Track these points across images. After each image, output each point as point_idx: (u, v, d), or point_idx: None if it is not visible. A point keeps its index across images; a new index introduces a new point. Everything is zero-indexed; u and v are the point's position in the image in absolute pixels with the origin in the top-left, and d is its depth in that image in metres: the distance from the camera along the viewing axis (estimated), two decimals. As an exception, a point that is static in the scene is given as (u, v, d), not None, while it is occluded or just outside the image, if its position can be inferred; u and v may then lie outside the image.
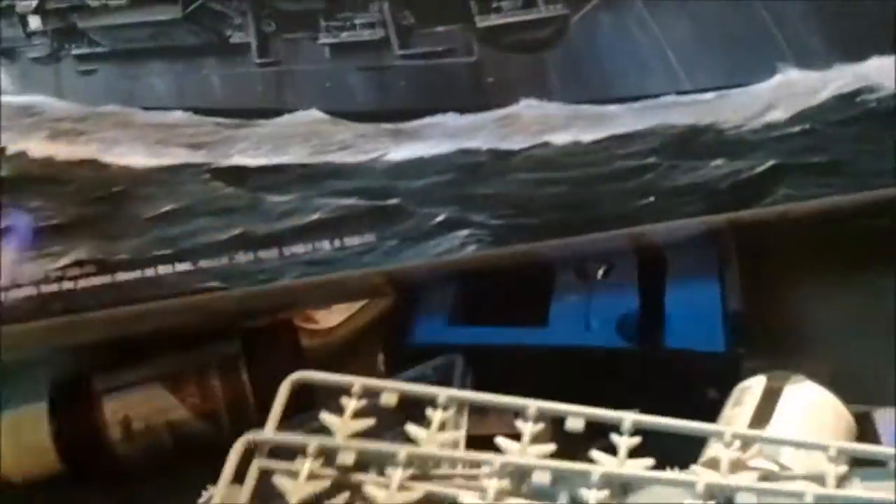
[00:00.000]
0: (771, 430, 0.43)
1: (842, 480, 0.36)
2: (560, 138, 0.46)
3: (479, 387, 0.55)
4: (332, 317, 0.59)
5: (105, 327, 0.49)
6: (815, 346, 0.53)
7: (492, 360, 0.50)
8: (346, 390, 0.39)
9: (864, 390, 0.48)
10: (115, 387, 0.53)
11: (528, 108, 0.47)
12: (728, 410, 0.46)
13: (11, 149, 0.47)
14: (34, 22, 0.50)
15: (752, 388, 0.46)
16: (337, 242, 0.46)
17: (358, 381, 0.40)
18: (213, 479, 0.42)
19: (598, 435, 0.39)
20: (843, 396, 0.46)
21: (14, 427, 0.52)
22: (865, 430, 0.46)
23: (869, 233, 0.52)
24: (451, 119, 0.47)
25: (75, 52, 0.50)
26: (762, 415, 0.45)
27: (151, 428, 0.53)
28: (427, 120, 0.47)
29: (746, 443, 0.38)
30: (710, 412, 0.47)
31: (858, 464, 0.37)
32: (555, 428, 0.39)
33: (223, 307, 0.48)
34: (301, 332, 0.58)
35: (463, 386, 0.54)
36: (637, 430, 0.38)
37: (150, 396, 0.53)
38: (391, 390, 0.39)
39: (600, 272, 0.57)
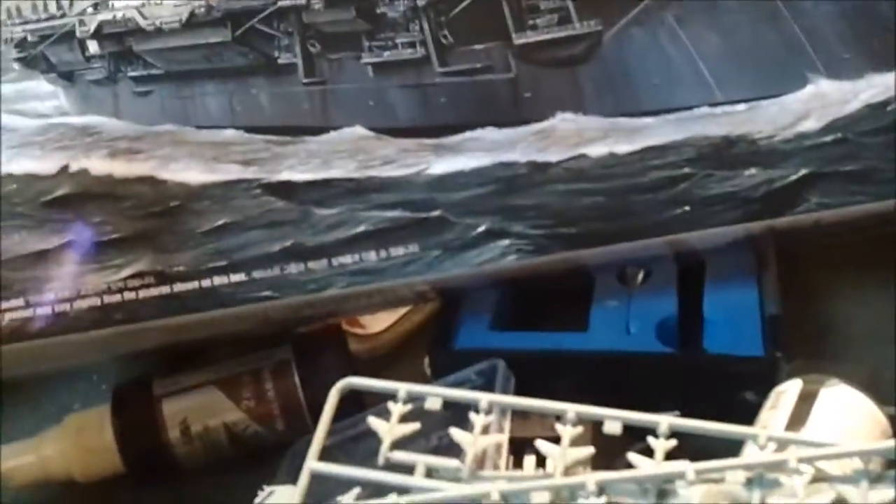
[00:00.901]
0: (806, 433, 0.44)
1: (876, 481, 0.37)
2: (596, 150, 0.48)
3: (521, 390, 0.56)
4: (378, 322, 0.60)
5: (163, 335, 0.51)
6: (851, 349, 0.54)
7: (534, 364, 0.51)
8: (392, 395, 0.41)
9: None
10: (173, 390, 0.55)
11: (563, 121, 0.48)
12: (765, 413, 0.47)
13: (74, 167, 0.50)
14: (92, 46, 0.53)
15: (789, 391, 0.47)
16: (382, 253, 0.48)
17: (403, 387, 0.41)
18: (269, 478, 0.44)
19: (637, 437, 0.40)
20: (878, 399, 0.47)
21: (79, 428, 0.55)
22: (900, 433, 0.47)
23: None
24: (489, 133, 0.49)
25: (131, 74, 0.52)
26: (798, 418, 0.45)
27: (209, 430, 0.55)
28: (467, 134, 0.49)
29: (781, 445, 0.39)
30: (749, 415, 0.47)
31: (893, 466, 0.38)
32: (594, 431, 0.41)
33: (275, 315, 0.50)
34: (349, 336, 0.59)
35: (505, 390, 0.55)
36: (673, 433, 0.39)
37: (207, 399, 0.55)
38: (435, 395, 0.41)
39: (640, 277, 0.59)
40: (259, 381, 0.54)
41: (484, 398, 0.42)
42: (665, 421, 0.39)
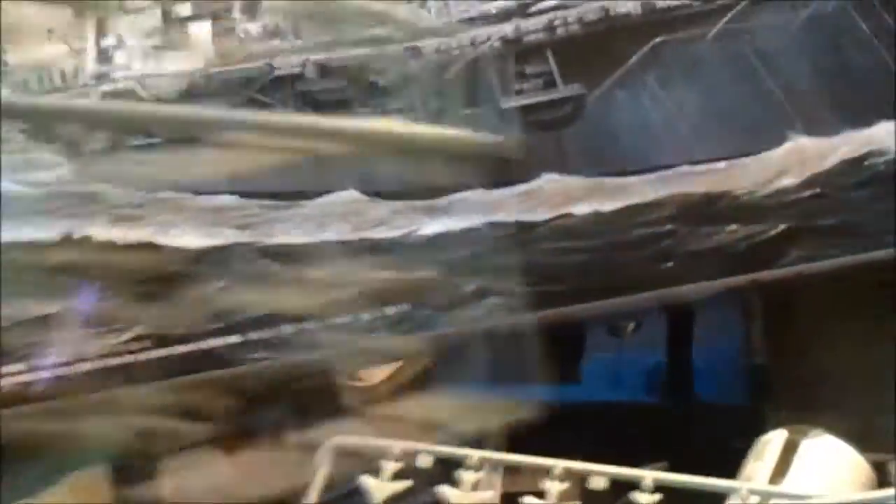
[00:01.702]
0: (789, 483, 0.45)
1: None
2: (581, 209, 0.49)
3: (518, 440, 0.57)
4: (375, 375, 0.61)
5: (163, 396, 0.52)
6: (837, 397, 0.54)
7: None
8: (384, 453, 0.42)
9: (882, 440, 0.49)
10: (174, 449, 0.56)
11: (549, 181, 0.50)
12: (749, 464, 0.47)
13: (76, 233, 0.51)
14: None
15: (773, 441, 0.47)
16: (376, 312, 0.49)
17: (395, 446, 0.42)
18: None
19: (623, 491, 0.41)
20: (862, 446, 0.47)
21: (75, 489, 0.55)
22: (883, 480, 0.47)
23: (884, 286, 0.53)
24: (478, 194, 0.50)
25: (132, 143, 0.53)
26: (782, 467, 0.46)
27: (208, 489, 0.55)
28: (457, 196, 0.50)
29: (764, 498, 0.40)
30: (736, 463, 0.48)
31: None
32: (581, 485, 0.41)
33: (272, 375, 0.51)
34: (347, 389, 0.60)
35: (497, 443, 0.56)
36: (658, 487, 0.40)
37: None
38: (427, 453, 0.42)
39: (630, 328, 0.59)
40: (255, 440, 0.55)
41: (474, 455, 0.42)
42: (649, 476, 0.40)
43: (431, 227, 0.50)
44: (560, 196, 0.49)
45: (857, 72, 0.50)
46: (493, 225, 0.50)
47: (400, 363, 0.61)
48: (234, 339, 0.50)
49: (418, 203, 0.51)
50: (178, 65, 0.52)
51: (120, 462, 0.55)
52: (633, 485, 0.40)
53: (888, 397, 0.51)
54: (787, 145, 0.49)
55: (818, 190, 0.49)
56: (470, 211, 0.50)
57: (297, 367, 0.51)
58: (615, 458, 0.43)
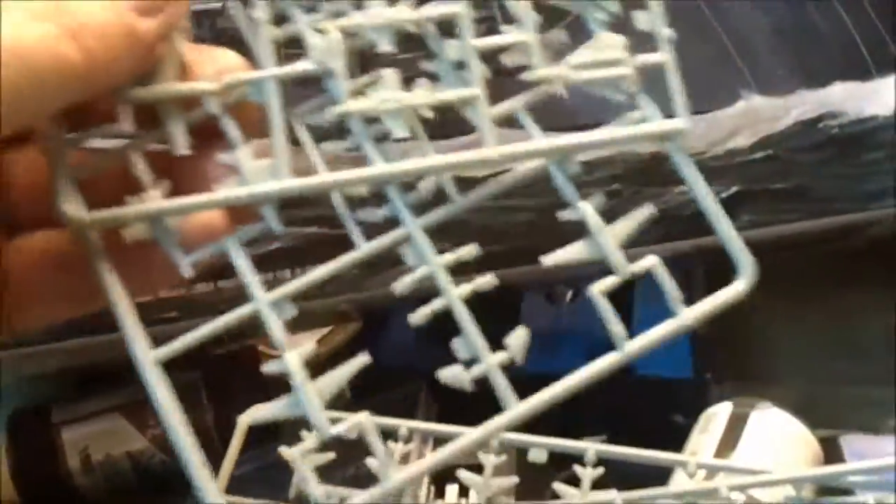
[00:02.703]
0: (737, 458, 0.43)
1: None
2: (524, 166, 0.46)
3: (446, 412, 0.54)
4: (297, 343, 0.58)
5: (62, 358, 0.48)
6: (782, 367, 0.53)
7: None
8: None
9: (830, 414, 0.48)
10: (74, 418, 0.52)
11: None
12: (695, 437, 0.46)
13: None
14: None
15: (719, 414, 0.46)
16: (298, 271, 0.46)
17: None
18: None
19: (563, 466, 0.38)
20: (809, 420, 0.46)
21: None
22: (832, 455, 0.46)
23: (835, 255, 0.52)
24: (416, 146, 0.47)
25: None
26: (728, 442, 0.44)
27: (111, 459, 0.52)
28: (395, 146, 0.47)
29: (711, 472, 0.38)
30: (679, 438, 0.46)
31: (826, 492, 0.37)
32: (519, 459, 0.39)
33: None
34: (266, 357, 0.57)
35: (428, 412, 0.53)
36: (601, 461, 0.37)
37: (109, 427, 0.52)
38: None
39: (568, 296, 0.57)
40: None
41: (403, 425, 0.39)
42: (592, 448, 0.37)
43: (362, 180, 0.46)
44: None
45: (813, 30, 0.48)
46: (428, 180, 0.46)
47: (325, 331, 0.58)
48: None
49: (347, 155, 0.47)
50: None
51: (17, 429, 0.52)
52: (575, 458, 0.38)
53: (836, 368, 0.50)
54: (739, 104, 0.47)
55: (770, 152, 0.47)
56: (404, 163, 0.46)
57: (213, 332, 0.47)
58: (552, 432, 0.40)
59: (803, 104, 0.46)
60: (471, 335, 0.26)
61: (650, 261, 0.25)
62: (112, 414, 0.52)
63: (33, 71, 0.22)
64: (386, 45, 0.25)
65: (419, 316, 0.27)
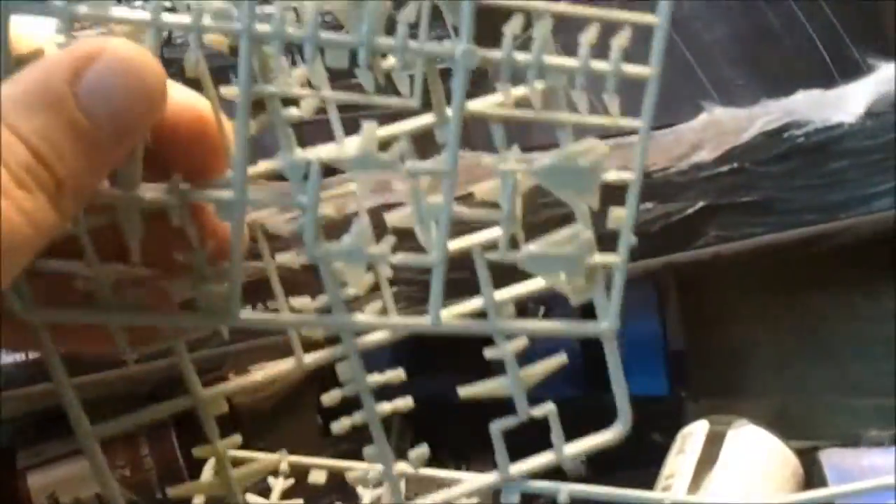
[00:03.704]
0: (715, 479, 0.42)
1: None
2: (481, 188, 0.45)
3: (421, 438, 0.53)
4: (277, 366, 0.57)
5: (28, 402, 0.47)
6: (758, 383, 0.52)
7: (435, 411, 0.48)
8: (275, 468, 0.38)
9: (808, 426, 0.48)
10: (40, 461, 0.51)
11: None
12: (672, 458, 0.45)
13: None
14: None
15: (695, 434, 0.45)
16: (268, 304, 0.45)
17: (285, 460, 0.38)
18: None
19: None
20: (787, 432, 0.45)
21: None
22: (811, 469, 0.45)
23: (804, 263, 0.51)
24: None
25: None
26: (706, 462, 0.44)
27: (80, 503, 0.50)
28: (346, 175, 0.46)
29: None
30: (656, 456, 0.46)
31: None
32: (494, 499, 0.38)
33: (147, 376, 0.46)
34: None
35: (402, 442, 0.52)
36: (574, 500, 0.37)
37: (76, 471, 0.51)
38: (319, 468, 0.38)
39: (540, 314, 0.56)
40: (134, 446, 0.51)
41: (373, 471, 0.39)
42: (565, 489, 0.37)
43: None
44: (462, 174, 0.45)
45: (774, 38, 0.47)
46: (390, 206, 0.45)
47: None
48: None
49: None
50: None
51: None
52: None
53: (812, 379, 0.50)
54: (702, 117, 0.46)
55: (735, 165, 0.46)
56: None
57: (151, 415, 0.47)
58: (529, 453, 0.39)
59: (767, 114, 0.46)
60: (382, 447, 0.32)
61: (548, 407, 0.31)
62: (78, 457, 0.51)
63: None
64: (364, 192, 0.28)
65: (338, 426, 0.32)
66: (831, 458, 0.45)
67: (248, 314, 0.27)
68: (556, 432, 0.32)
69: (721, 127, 0.46)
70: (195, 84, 0.27)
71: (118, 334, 0.27)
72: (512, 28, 0.27)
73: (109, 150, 0.23)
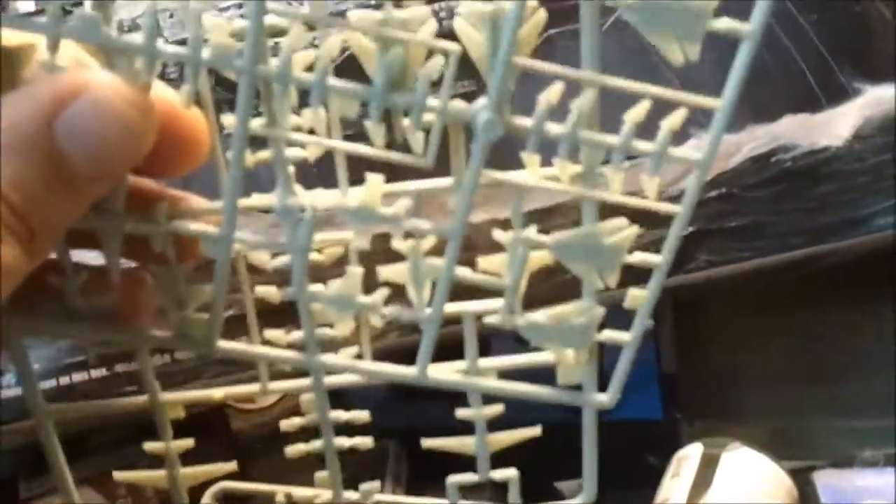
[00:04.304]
0: (711, 501, 0.43)
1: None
2: (477, 217, 0.45)
3: (417, 469, 0.54)
4: (266, 397, 0.57)
5: (30, 433, 0.47)
6: (752, 404, 0.53)
7: (430, 436, 0.48)
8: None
9: (802, 446, 0.48)
10: (42, 492, 0.52)
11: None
12: (667, 482, 0.45)
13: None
14: None
15: (690, 457, 0.45)
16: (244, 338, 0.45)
17: (281, 491, 0.38)
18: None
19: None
20: (782, 453, 0.46)
21: None
22: (805, 491, 0.46)
23: (798, 284, 0.52)
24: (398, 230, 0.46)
25: None
26: (701, 485, 0.44)
27: (82, 533, 0.51)
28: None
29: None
30: (653, 478, 0.46)
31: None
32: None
33: (143, 409, 0.47)
34: (236, 413, 0.56)
35: (398, 469, 0.53)
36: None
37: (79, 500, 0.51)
38: (322, 498, 0.38)
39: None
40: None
41: (372, 495, 0.39)
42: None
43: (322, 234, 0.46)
44: (452, 203, 0.46)
45: (759, 63, 0.47)
46: (384, 237, 0.46)
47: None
48: (97, 372, 0.45)
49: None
50: None
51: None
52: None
53: (806, 400, 0.50)
54: (690, 143, 0.46)
55: (724, 190, 0.46)
56: (353, 223, 0.46)
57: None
58: (524, 478, 0.40)
59: (754, 139, 0.46)
60: (335, 475, 0.32)
61: (511, 473, 0.32)
62: (80, 487, 0.51)
63: None
64: (363, 242, 0.27)
65: (293, 450, 0.33)
66: (826, 479, 0.46)
67: (224, 344, 0.27)
68: (514, 497, 0.32)
69: (709, 153, 0.46)
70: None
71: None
72: (549, 97, 0.25)
73: (88, 191, 0.23)
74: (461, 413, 0.30)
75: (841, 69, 0.47)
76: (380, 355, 0.50)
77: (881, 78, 0.47)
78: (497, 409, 0.31)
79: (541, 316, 0.28)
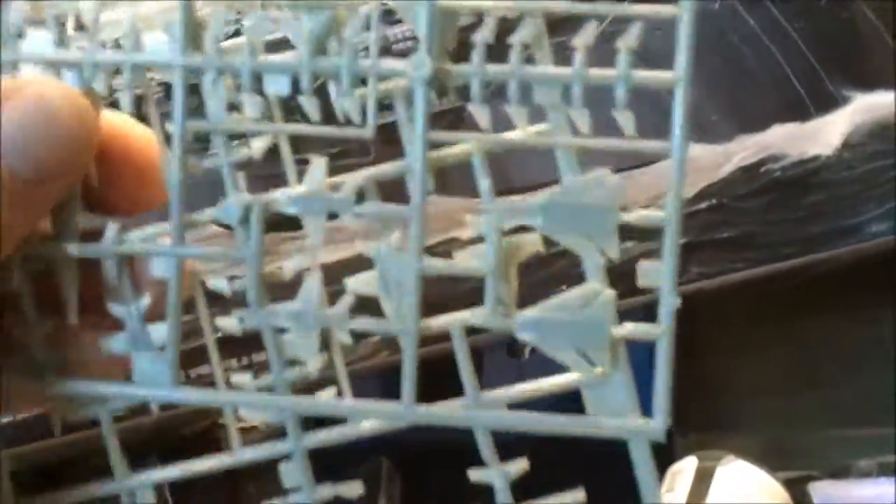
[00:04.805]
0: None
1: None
2: (467, 233, 0.45)
3: (409, 487, 0.53)
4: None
5: (27, 458, 0.47)
6: (746, 415, 0.52)
7: (423, 457, 0.48)
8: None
9: (797, 457, 0.48)
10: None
11: (430, 204, 0.45)
12: (662, 497, 0.45)
13: None
14: None
15: (685, 471, 0.45)
16: (245, 360, 0.45)
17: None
18: None
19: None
20: (777, 464, 0.45)
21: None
22: (801, 501, 0.45)
23: (791, 293, 0.51)
24: (352, 218, 0.46)
25: None
26: (696, 498, 0.44)
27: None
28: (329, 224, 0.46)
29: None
30: (646, 493, 0.45)
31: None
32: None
33: (141, 431, 0.46)
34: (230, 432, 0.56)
35: (391, 489, 0.52)
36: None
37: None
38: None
39: (528, 349, 0.56)
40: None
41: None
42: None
43: (299, 260, 0.46)
44: (442, 220, 0.45)
45: (748, 73, 0.47)
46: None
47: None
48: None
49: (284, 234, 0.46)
50: None
51: None
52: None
53: (801, 410, 0.50)
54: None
55: (714, 201, 0.46)
56: (344, 241, 0.45)
57: (166, 422, 0.47)
58: (521, 491, 0.39)
59: (744, 149, 0.46)
60: None
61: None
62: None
63: None
64: (316, 237, 0.23)
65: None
66: (821, 490, 0.45)
67: (186, 392, 0.24)
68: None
69: (698, 163, 0.46)
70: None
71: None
72: (484, 35, 0.22)
73: (31, 198, 0.22)
74: (476, 475, 0.25)
75: (830, 77, 0.47)
76: (367, 374, 0.50)
77: (870, 85, 0.47)
78: (520, 465, 0.25)
79: (536, 311, 0.23)
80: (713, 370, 0.54)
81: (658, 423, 0.23)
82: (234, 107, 0.25)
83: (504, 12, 0.22)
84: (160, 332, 0.24)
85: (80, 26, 0.24)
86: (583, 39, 0.22)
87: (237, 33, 0.25)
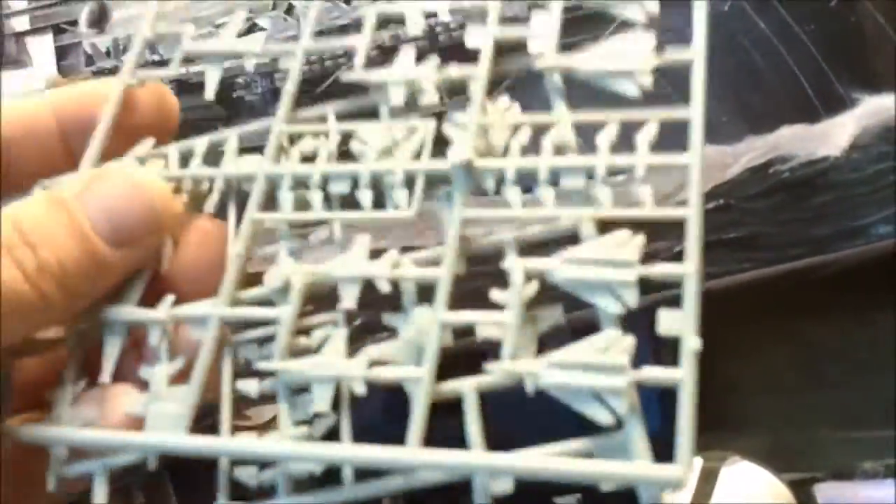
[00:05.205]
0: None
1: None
2: (471, 233, 0.45)
3: (410, 495, 0.53)
4: (264, 412, 0.57)
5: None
6: (751, 416, 0.52)
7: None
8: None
9: (802, 458, 0.47)
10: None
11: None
12: (666, 497, 0.45)
13: None
14: None
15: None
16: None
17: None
18: None
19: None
20: (781, 465, 0.45)
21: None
22: (806, 502, 0.45)
23: (798, 294, 0.51)
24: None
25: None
26: (701, 499, 0.44)
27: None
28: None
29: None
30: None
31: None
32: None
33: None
34: (235, 430, 0.56)
35: (394, 496, 0.52)
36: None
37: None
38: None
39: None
40: (129, 497, 0.50)
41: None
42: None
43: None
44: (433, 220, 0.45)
45: (756, 73, 0.47)
46: (373, 253, 0.45)
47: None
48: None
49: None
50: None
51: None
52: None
53: (806, 411, 0.50)
54: (686, 155, 0.46)
55: (722, 201, 0.46)
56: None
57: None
58: (521, 496, 0.39)
59: (752, 150, 0.46)
60: None
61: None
62: (75, 506, 0.51)
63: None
64: (349, 302, 0.25)
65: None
66: (826, 492, 0.45)
67: (189, 439, 0.25)
68: None
69: (707, 163, 0.46)
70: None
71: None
72: (521, 140, 0.25)
73: (109, 260, 0.24)
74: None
75: (838, 79, 0.47)
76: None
77: (879, 87, 0.47)
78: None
79: (553, 359, 0.23)
80: (719, 370, 0.54)
81: (680, 471, 0.22)
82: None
83: None
84: (183, 393, 0.25)
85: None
86: (607, 136, 0.25)
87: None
